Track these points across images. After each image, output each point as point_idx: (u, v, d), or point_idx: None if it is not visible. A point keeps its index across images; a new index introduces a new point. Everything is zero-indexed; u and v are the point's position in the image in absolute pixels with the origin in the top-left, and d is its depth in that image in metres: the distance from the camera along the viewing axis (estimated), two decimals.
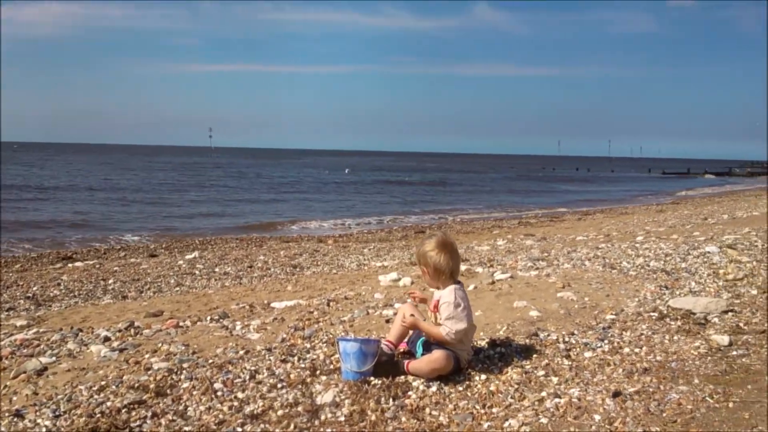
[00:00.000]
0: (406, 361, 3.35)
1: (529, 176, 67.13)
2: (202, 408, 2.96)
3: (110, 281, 8.82)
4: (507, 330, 4.10)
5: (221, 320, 4.86)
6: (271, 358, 3.63)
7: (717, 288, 5.07)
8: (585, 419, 2.80)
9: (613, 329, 4.06)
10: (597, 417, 2.81)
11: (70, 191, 30.34)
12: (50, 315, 6.15)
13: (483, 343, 3.80)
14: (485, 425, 2.80)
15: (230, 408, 2.96)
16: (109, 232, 16.92)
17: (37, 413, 2.94)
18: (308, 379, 3.27)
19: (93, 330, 4.66)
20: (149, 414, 2.89)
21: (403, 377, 3.28)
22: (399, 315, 3.62)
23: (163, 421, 2.84)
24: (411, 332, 3.55)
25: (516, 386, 3.17)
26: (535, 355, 3.60)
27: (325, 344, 3.88)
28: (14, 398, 3.18)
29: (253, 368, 3.45)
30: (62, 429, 2.77)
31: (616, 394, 3.00)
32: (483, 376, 3.31)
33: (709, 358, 3.50)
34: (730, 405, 2.86)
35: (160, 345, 4.02)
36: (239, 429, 2.76)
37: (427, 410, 2.94)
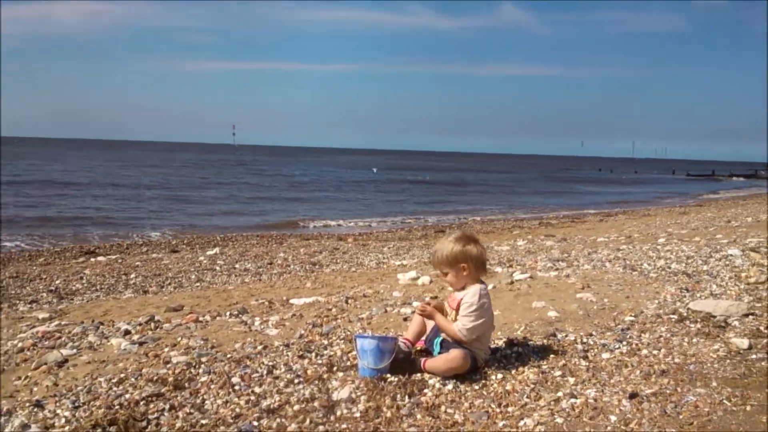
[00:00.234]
0: (423, 359, 3.36)
1: (551, 177, 66.67)
2: (219, 402, 3.00)
3: (132, 276, 8.94)
4: (525, 330, 4.09)
5: (240, 316, 4.91)
6: (289, 353, 3.66)
7: (738, 291, 5.00)
8: (601, 420, 2.78)
9: (631, 331, 4.02)
10: (613, 418, 2.79)
11: (93, 188, 30.73)
12: (72, 308, 6.26)
13: (500, 343, 3.80)
14: (500, 424, 2.80)
15: (247, 402, 2.99)
16: (131, 229, 17.15)
17: (57, 404, 3.00)
18: (325, 375, 3.29)
19: (114, 323, 4.73)
20: (167, 407, 2.93)
21: (419, 375, 3.28)
22: (417, 312, 3.63)
23: (180, 414, 2.88)
24: (428, 330, 3.56)
25: (532, 386, 3.16)
26: (552, 356, 3.59)
27: (342, 341, 3.91)
28: (35, 389, 3.25)
29: (270, 363, 3.48)
30: (81, 420, 2.82)
31: (632, 396, 2.98)
32: (499, 375, 3.30)
33: (728, 361, 3.46)
34: (748, 408, 2.82)
35: (179, 339, 4.08)
36: (255, 423, 2.79)
37: (443, 408, 2.94)
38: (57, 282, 8.47)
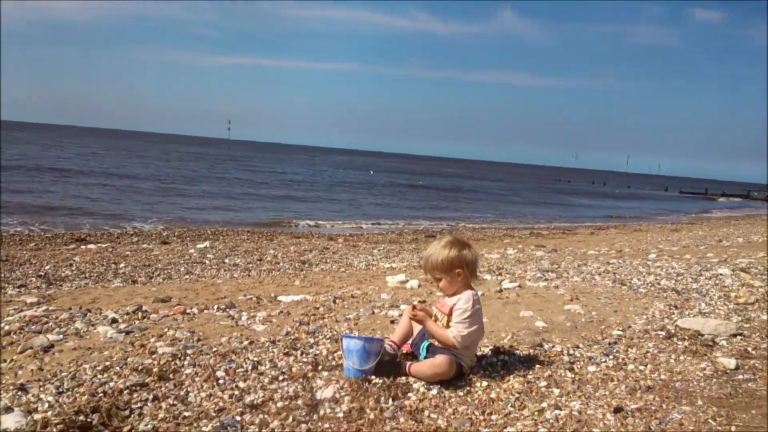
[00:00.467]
0: (408, 363, 3.35)
1: (544, 187, 66.85)
2: (203, 394, 2.98)
3: (121, 265, 8.90)
4: (512, 339, 4.09)
5: (228, 310, 4.89)
6: (275, 350, 3.65)
7: (727, 311, 5.02)
8: None
9: (618, 345, 4.03)
10: (596, 431, 2.79)
11: (87, 176, 30.56)
12: (60, 294, 6.22)
13: (486, 350, 3.79)
14: (483, 431, 2.79)
15: (231, 396, 2.97)
16: (122, 218, 17.03)
17: (41, 388, 2.98)
18: (310, 374, 3.28)
19: (101, 311, 4.70)
20: (150, 397, 2.91)
21: (404, 378, 3.27)
22: (405, 316, 3.62)
23: (163, 404, 2.86)
24: (415, 334, 3.55)
25: (517, 395, 3.16)
26: (538, 366, 3.59)
27: (328, 340, 3.90)
28: (20, 372, 3.22)
29: (256, 359, 3.47)
30: (64, 406, 2.80)
31: (617, 410, 2.98)
32: (484, 383, 3.30)
33: (714, 380, 3.47)
34: (733, 429, 2.83)
35: (166, 330, 4.06)
36: (238, 418, 2.77)
37: (426, 413, 2.93)
38: (47, 267, 8.42)
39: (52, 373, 3.19)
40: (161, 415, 2.76)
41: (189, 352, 3.54)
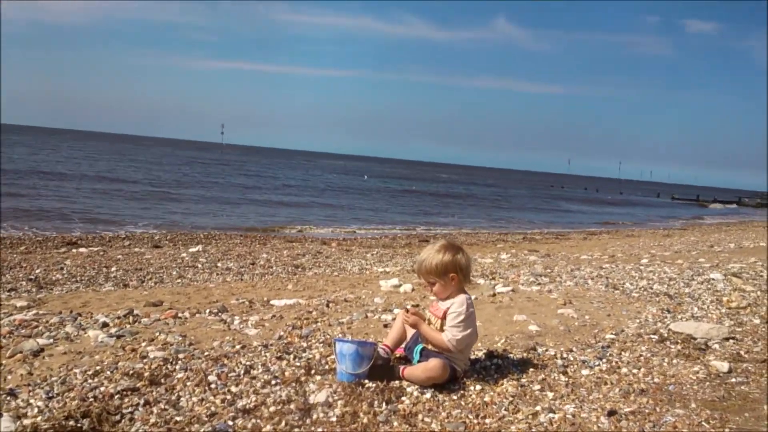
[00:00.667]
0: (401, 367, 3.33)
1: (537, 193, 67.03)
2: (194, 399, 2.96)
3: (113, 269, 8.84)
4: (505, 342, 4.09)
5: (220, 314, 4.86)
6: (267, 354, 3.63)
7: (719, 315, 5.04)
8: None
9: (612, 349, 4.03)
10: None
11: (79, 180, 30.40)
12: (51, 298, 6.17)
13: (480, 354, 3.79)
14: None
15: (223, 401, 2.95)
16: (114, 222, 16.94)
17: (31, 393, 2.95)
18: (303, 378, 3.26)
19: (92, 315, 4.67)
20: (141, 402, 2.88)
21: (397, 382, 3.26)
22: (398, 320, 3.61)
23: (155, 409, 2.83)
24: (408, 338, 3.54)
25: (511, 399, 3.15)
26: (531, 369, 3.58)
27: (321, 344, 3.88)
28: (9, 377, 3.18)
29: (248, 363, 3.45)
30: (54, 411, 2.76)
31: (611, 413, 2.98)
32: (478, 387, 3.29)
33: (707, 383, 3.48)
34: (726, 431, 2.83)
35: (157, 334, 4.03)
36: (230, 422, 2.75)
37: (420, 416, 2.92)
38: (37, 271, 8.35)
39: (41, 378, 3.15)
40: (152, 420, 2.73)
41: (180, 356, 3.51)
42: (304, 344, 3.88)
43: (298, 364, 3.48)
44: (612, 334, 4.37)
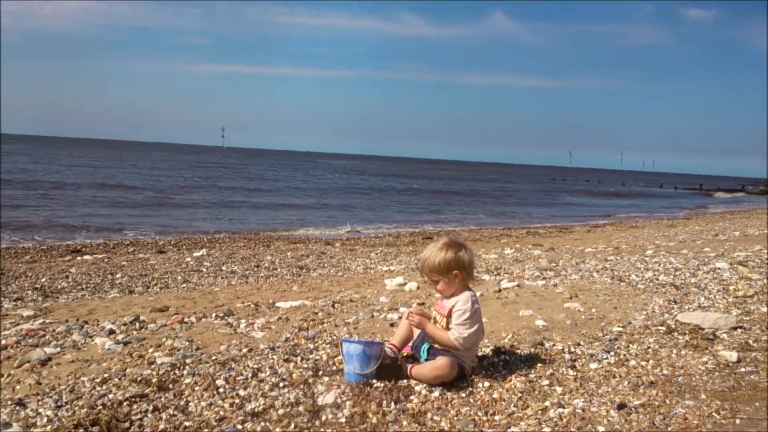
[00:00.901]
0: (409, 366, 3.33)
1: (539, 187, 66.95)
2: (203, 404, 2.95)
3: (118, 275, 8.86)
4: (512, 338, 4.07)
5: (226, 318, 4.87)
6: (274, 357, 3.63)
7: (726, 304, 5.02)
8: (588, 430, 2.77)
9: (619, 341, 4.02)
10: (601, 429, 2.78)
11: (81, 188, 30.44)
12: (57, 306, 6.19)
13: (487, 351, 3.77)
14: None
15: (231, 405, 2.95)
16: (117, 231, 16.93)
17: (39, 403, 2.95)
18: (310, 380, 3.25)
19: (98, 323, 4.68)
20: (150, 408, 2.88)
21: (405, 381, 3.25)
22: (404, 318, 3.60)
23: (164, 415, 2.83)
24: (415, 336, 3.53)
25: (519, 395, 3.14)
26: (539, 365, 3.57)
27: (328, 345, 3.87)
28: (17, 387, 3.19)
29: (255, 366, 3.44)
30: (63, 419, 2.77)
31: (620, 407, 2.97)
32: (486, 383, 3.28)
33: (716, 373, 3.46)
34: (737, 422, 2.82)
35: (164, 340, 4.03)
36: (240, 426, 2.75)
37: (429, 415, 2.91)
38: (42, 280, 8.38)
39: (50, 387, 3.16)
40: (161, 426, 2.73)
41: (188, 361, 3.51)
42: (311, 346, 3.87)
43: (305, 365, 3.47)
44: (619, 326, 4.35)
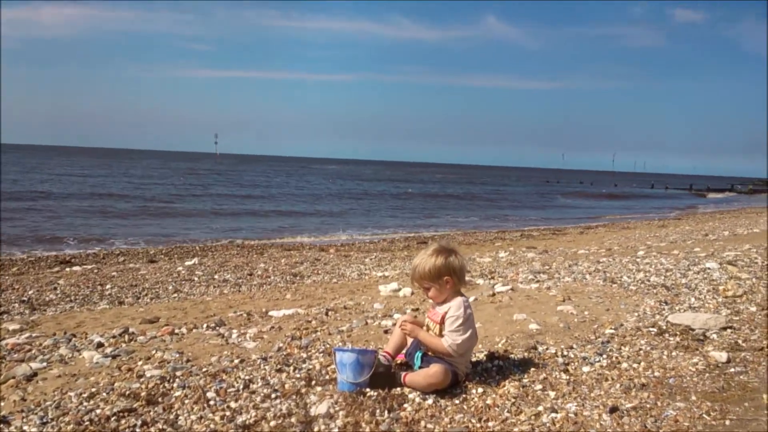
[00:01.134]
0: (403, 373, 3.30)
1: (533, 190, 67.11)
2: (193, 417, 2.92)
3: (107, 286, 8.79)
4: (506, 343, 4.06)
5: (217, 328, 4.83)
6: (267, 367, 3.60)
7: (716, 304, 5.03)
8: None
9: (611, 344, 4.01)
10: None
11: (71, 198, 30.25)
12: (44, 319, 6.13)
13: (481, 356, 3.76)
14: None
15: (222, 418, 2.91)
16: (106, 241, 16.77)
17: (24, 419, 2.91)
18: (303, 390, 3.23)
19: (87, 335, 4.64)
20: (139, 422, 2.84)
21: (399, 389, 3.23)
22: (397, 326, 3.58)
23: (153, 429, 2.80)
24: (409, 344, 3.51)
25: (513, 400, 3.12)
26: (533, 369, 3.56)
27: (322, 354, 3.85)
28: (1, 404, 3.14)
29: (247, 377, 3.41)
30: None
31: (613, 410, 2.96)
32: (480, 390, 3.27)
33: (707, 374, 3.46)
34: (727, 423, 2.81)
35: (154, 352, 3.99)
36: None
37: (423, 423, 2.89)
38: (30, 292, 8.29)
39: (35, 403, 3.11)
40: None
41: (178, 373, 3.48)
42: (304, 355, 3.84)
43: (298, 375, 3.45)
44: (611, 328, 4.35)
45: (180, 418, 2.91)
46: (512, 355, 3.79)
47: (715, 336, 4.16)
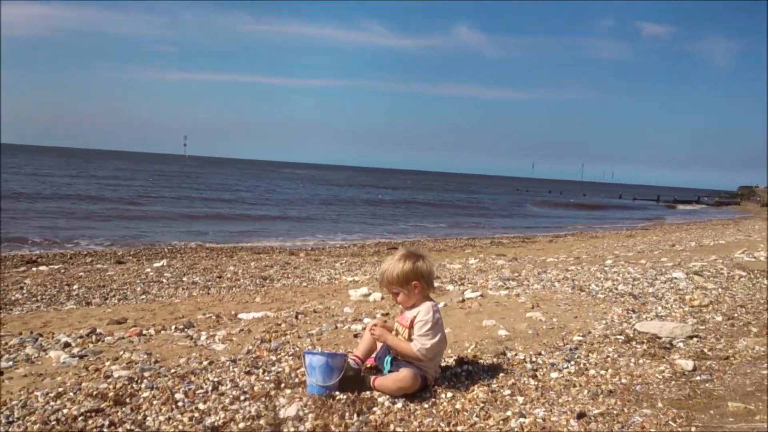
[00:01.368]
0: (372, 377, 3.31)
1: (504, 198, 67.69)
2: (161, 418, 2.88)
3: (75, 287, 8.63)
4: (475, 348, 4.10)
5: (186, 330, 4.78)
6: (236, 369, 3.57)
7: (683, 313, 5.14)
8: None
9: (579, 351, 4.07)
10: None
11: (37, 198, 29.60)
12: (10, 319, 6.00)
13: (450, 361, 3.79)
14: None
15: (190, 419, 2.88)
16: (74, 241, 16.40)
17: None
18: (272, 392, 3.21)
19: (53, 335, 4.55)
20: (106, 423, 2.80)
21: (368, 393, 3.24)
22: (367, 330, 3.59)
23: (120, 430, 2.76)
24: (379, 348, 3.52)
25: (482, 405, 3.15)
26: (501, 374, 3.60)
27: (291, 357, 3.83)
28: None
29: (216, 379, 3.38)
30: None
31: (580, 416, 3.00)
32: (449, 394, 3.29)
33: (673, 382, 3.53)
34: (693, 429, 2.87)
35: (121, 353, 3.94)
36: None
37: (392, 427, 2.90)
38: None
39: (1, 402, 3.04)
40: None
41: (146, 374, 3.43)
42: (273, 358, 3.82)
43: (267, 378, 3.43)
44: (579, 336, 4.42)
45: (148, 418, 2.88)
46: (481, 361, 3.82)
47: (681, 344, 4.25)
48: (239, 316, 5.60)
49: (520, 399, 3.24)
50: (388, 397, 3.19)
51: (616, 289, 6.20)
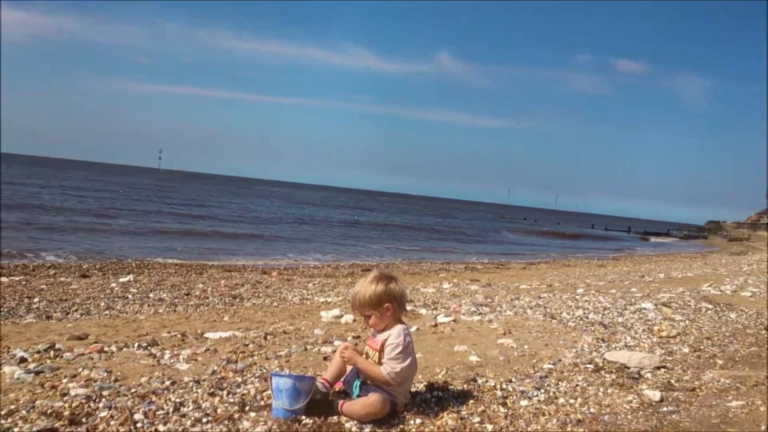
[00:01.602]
0: (340, 402, 3.24)
1: (479, 224, 68.06)
2: None
3: (35, 299, 8.38)
4: (446, 374, 4.05)
5: (149, 348, 4.65)
6: (199, 390, 3.47)
7: (651, 344, 5.16)
8: None
9: (549, 378, 4.05)
10: None
11: (2, 210, 28.95)
12: None
13: (421, 386, 3.73)
14: None
15: None
16: (37, 253, 15.96)
17: None
18: (236, 415, 3.12)
19: (9, 350, 4.39)
20: None
21: (336, 417, 3.16)
22: (337, 353, 3.52)
23: None
24: (348, 371, 3.45)
25: None
26: (471, 401, 3.55)
27: (257, 379, 3.74)
28: None
29: (178, 400, 3.28)
30: None
31: None
32: (418, 420, 3.23)
33: (640, 412, 3.52)
34: None
35: (80, 370, 3.80)
36: None
37: None
38: None
39: None
40: None
41: (105, 393, 3.31)
42: (239, 379, 3.73)
43: (231, 400, 3.33)
44: (550, 363, 4.40)
45: None
46: (452, 387, 3.77)
47: (649, 375, 4.26)
48: (206, 335, 5.48)
49: (490, 427, 3.19)
50: (355, 422, 3.12)
51: (587, 317, 6.21)
